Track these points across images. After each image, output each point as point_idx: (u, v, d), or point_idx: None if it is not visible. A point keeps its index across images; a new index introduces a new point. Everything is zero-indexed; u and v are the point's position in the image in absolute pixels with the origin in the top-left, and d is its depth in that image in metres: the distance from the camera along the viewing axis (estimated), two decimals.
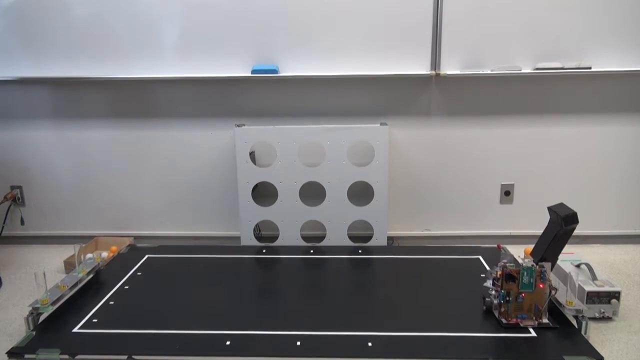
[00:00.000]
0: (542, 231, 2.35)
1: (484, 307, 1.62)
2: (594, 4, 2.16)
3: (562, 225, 1.59)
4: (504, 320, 1.54)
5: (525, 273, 1.52)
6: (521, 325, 1.53)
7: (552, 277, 1.59)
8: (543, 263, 1.54)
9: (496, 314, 1.58)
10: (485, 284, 1.62)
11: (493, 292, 1.59)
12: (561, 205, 1.66)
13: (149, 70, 2.29)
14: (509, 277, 1.53)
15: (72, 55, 2.29)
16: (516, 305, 1.55)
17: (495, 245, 2.18)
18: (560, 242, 1.64)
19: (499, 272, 1.54)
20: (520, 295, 1.54)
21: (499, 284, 1.55)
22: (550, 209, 1.66)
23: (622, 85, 2.28)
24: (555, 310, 1.59)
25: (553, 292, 1.55)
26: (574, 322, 1.53)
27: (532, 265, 1.53)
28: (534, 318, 1.54)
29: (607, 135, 2.34)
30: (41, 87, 2.38)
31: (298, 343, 1.46)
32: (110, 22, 2.25)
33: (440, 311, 1.64)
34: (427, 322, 1.57)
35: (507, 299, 1.54)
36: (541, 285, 1.53)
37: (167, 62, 2.28)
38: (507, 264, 1.53)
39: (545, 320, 1.54)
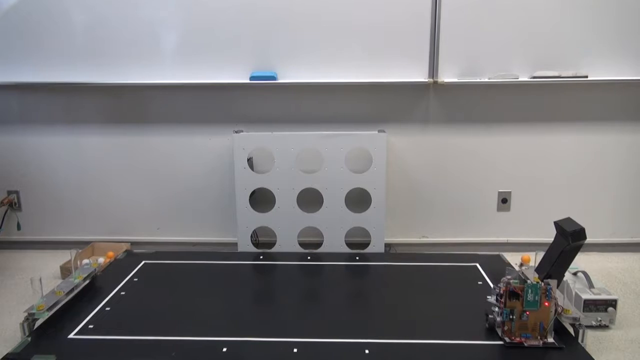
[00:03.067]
0: (539, 238, 2.36)
1: (487, 325, 1.57)
2: (591, 14, 2.18)
3: (569, 242, 1.55)
4: (507, 339, 1.50)
5: (529, 290, 1.47)
6: (525, 345, 1.48)
7: (559, 295, 1.55)
8: (549, 280, 1.49)
9: (499, 332, 1.53)
10: (488, 299, 1.57)
11: (496, 309, 1.53)
12: (568, 220, 1.61)
13: (148, 76, 2.30)
14: (513, 294, 1.48)
15: (70, 60, 2.29)
16: (520, 324, 1.50)
17: (493, 253, 2.18)
18: (567, 258, 1.59)
19: (503, 289, 1.49)
20: (525, 314, 1.49)
21: (503, 300, 1.49)
22: (557, 224, 1.61)
23: (618, 94, 2.29)
24: (562, 329, 1.55)
25: (559, 310, 1.51)
26: (571, 331, 1.53)
27: (538, 282, 1.48)
28: (539, 337, 1.49)
29: (604, 143, 2.35)
30: (39, 93, 2.38)
31: (295, 350, 1.46)
32: (109, 28, 2.25)
33: (438, 318, 1.63)
34: (425, 329, 1.56)
35: (511, 317, 1.49)
36: (546, 304, 1.48)
37: (165, 68, 2.29)
38: (511, 281, 1.49)
39: (550, 340, 1.49)
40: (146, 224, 2.52)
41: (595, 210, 2.43)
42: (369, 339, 1.51)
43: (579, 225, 1.57)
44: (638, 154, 2.36)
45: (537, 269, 1.66)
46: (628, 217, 2.43)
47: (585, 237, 1.57)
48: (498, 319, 1.53)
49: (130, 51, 2.27)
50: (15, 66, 2.31)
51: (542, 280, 1.50)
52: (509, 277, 1.50)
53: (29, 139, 2.43)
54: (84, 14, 2.24)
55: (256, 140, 2.25)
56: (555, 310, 1.50)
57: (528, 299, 1.47)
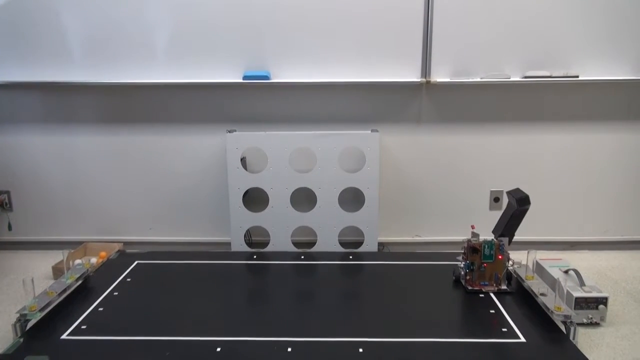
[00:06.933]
0: (531, 237, 2.40)
1: (454, 278, 1.89)
2: (582, 15, 2.19)
3: (516, 207, 1.81)
4: (469, 287, 1.81)
5: (486, 246, 1.79)
6: (483, 290, 1.80)
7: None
8: (502, 238, 1.80)
9: (463, 282, 1.84)
10: (457, 259, 1.91)
11: (462, 265, 1.85)
12: (517, 189, 1.87)
13: (140, 75, 2.29)
14: (473, 249, 1.79)
15: (62, 60, 2.28)
16: (479, 274, 1.81)
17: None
18: (516, 220, 1.85)
19: (465, 246, 1.80)
20: (483, 265, 1.80)
21: (465, 256, 1.81)
22: (508, 193, 1.87)
23: (608, 93, 2.32)
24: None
25: (510, 262, 1.83)
26: (563, 328, 1.55)
27: (492, 239, 1.79)
28: (494, 285, 1.81)
29: (595, 142, 2.37)
30: (30, 92, 2.36)
31: (289, 349, 1.46)
32: (101, 27, 2.24)
33: (431, 317, 1.64)
34: (418, 328, 1.57)
35: (472, 268, 1.80)
36: (500, 257, 1.79)
37: (158, 67, 2.28)
38: (472, 239, 1.79)
39: (503, 287, 1.80)
40: (139, 224, 2.51)
41: (586, 209, 2.45)
42: (362, 337, 1.52)
43: (524, 193, 1.83)
44: (629, 153, 2.38)
45: (493, 230, 1.91)
46: (619, 215, 2.46)
47: (529, 203, 1.82)
48: (462, 272, 1.84)
49: (123, 50, 2.26)
50: (6, 65, 2.29)
51: (496, 238, 1.81)
52: (471, 238, 1.80)
53: (20, 139, 2.42)
54: (76, 13, 2.23)
55: (249, 139, 2.24)
56: (507, 262, 1.81)
57: (485, 253, 1.79)
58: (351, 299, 1.78)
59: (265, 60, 2.27)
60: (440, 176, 2.43)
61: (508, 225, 1.84)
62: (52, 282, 1.88)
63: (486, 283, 1.81)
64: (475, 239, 1.80)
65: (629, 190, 2.43)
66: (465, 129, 2.37)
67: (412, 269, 2.03)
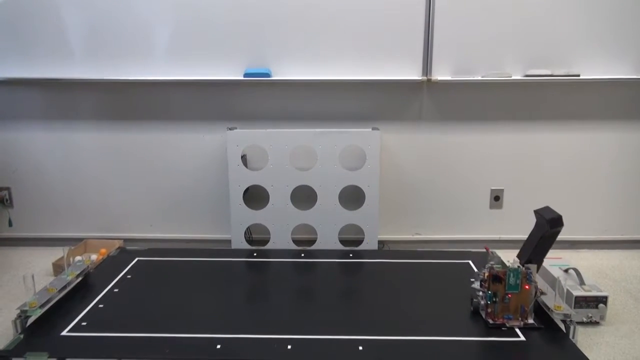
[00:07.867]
0: None
1: (472, 308, 1.64)
2: (583, 14, 2.19)
3: (547, 228, 1.61)
4: (490, 321, 1.57)
5: (511, 274, 1.55)
6: (507, 325, 1.55)
7: (538, 279, 1.62)
8: (529, 265, 1.57)
9: (483, 315, 1.59)
10: (473, 285, 1.64)
11: (480, 293, 1.61)
12: (547, 208, 1.68)
13: (141, 72, 2.29)
14: (496, 278, 1.55)
15: (62, 56, 2.28)
16: (503, 306, 1.57)
17: (485, 250, 2.19)
18: (545, 244, 1.66)
19: (486, 274, 1.57)
20: (507, 296, 1.56)
21: (486, 285, 1.57)
22: (536, 212, 1.68)
23: (609, 92, 2.31)
24: (540, 311, 1.61)
25: (539, 293, 1.58)
26: (562, 327, 1.55)
27: (518, 266, 1.56)
28: (520, 319, 1.57)
29: (596, 141, 2.37)
30: (31, 88, 2.36)
31: (289, 347, 1.46)
32: (102, 24, 2.24)
33: (430, 315, 1.64)
34: (417, 326, 1.57)
35: (494, 299, 1.56)
36: (527, 287, 1.55)
37: (158, 64, 2.28)
38: (494, 266, 1.56)
39: (530, 321, 1.56)
40: (139, 221, 2.51)
41: (586, 208, 2.45)
42: (362, 335, 1.52)
43: (557, 213, 1.62)
44: (629, 152, 2.38)
45: (519, 255, 1.71)
46: (619, 214, 2.46)
47: (562, 224, 1.62)
48: (482, 302, 1.59)
49: (124, 47, 2.26)
50: (5, 61, 2.29)
51: (523, 265, 1.57)
52: (492, 262, 1.58)
53: (21, 135, 2.42)
54: (77, 9, 2.22)
55: (250, 137, 2.24)
56: (535, 293, 1.57)
57: (510, 282, 1.55)
58: (351, 297, 1.78)
59: (266, 57, 2.27)
60: (440, 174, 2.42)
61: (536, 249, 1.65)
62: (53, 278, 1.87)
63: (510, 317, 1.56)
64: (498, 265, 1.57)
65: (630, 189, 2.43)
66: (466, 127, 2.37)
67: (411, 267, 2.02)
